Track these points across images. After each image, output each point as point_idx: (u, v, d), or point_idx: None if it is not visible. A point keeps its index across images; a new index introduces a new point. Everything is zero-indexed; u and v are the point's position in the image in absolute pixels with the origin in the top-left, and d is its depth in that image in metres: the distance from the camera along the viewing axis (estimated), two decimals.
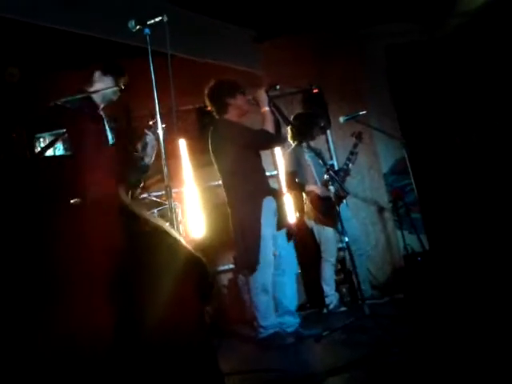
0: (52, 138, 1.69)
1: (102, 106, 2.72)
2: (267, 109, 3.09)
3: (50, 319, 1.27)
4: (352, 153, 4.08)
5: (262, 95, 3.09)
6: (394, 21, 4.97)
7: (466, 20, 4.78)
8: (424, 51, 5.05)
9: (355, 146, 4.08)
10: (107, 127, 2.69)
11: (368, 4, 4.55)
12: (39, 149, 1.68)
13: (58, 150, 1.71)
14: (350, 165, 4.09)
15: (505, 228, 4.18)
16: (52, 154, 1.70)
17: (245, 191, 3.12)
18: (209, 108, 3.28)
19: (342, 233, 3.21)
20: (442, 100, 4.95)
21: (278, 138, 3.26)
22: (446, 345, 2.30)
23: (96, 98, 2.67)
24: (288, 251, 3.28)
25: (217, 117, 3.26)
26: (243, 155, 3.14)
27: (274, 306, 3.14)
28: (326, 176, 3.51)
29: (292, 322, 3.18)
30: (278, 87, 3.17)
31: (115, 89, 2.65)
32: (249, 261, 3.07)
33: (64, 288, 1.32)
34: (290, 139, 4.19)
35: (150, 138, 2.75)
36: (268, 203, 3.13)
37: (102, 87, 2.63)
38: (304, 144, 4.13)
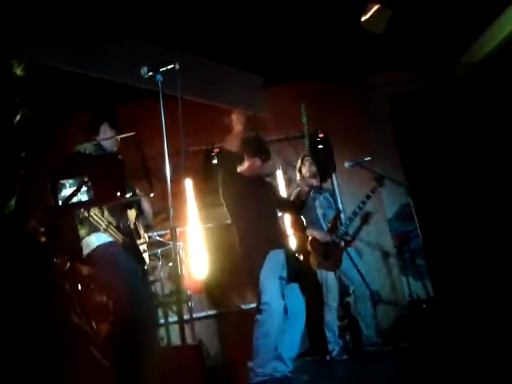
0: (75, 183, 1.73)
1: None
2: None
3: None
4: (368, 196, 3.93)
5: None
6: (397, 70, 5.11)
7: (469, 70, 4.91)
8: (427, 99, 5.16)
9: (373, 190, 3.92)
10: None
11: (373, 54, 4.70)
12: (63, 194, 1.72)
13: (82, 195, 1.76)
14: (363, 209, 3.99)
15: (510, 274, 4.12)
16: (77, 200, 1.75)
17: (256, 241, 3.16)
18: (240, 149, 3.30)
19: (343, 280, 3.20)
20: (447, 147, 5.01)
21: None
22: None
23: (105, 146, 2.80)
24: (296, 303, 3.24)
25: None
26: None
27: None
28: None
29: (282, 368, 3.15)
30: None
31: (116, 142, 2.78)
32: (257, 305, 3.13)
33: None
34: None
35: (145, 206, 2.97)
36: (275, 256, 3.14)
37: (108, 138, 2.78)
38: (315, 183, 4.06)
